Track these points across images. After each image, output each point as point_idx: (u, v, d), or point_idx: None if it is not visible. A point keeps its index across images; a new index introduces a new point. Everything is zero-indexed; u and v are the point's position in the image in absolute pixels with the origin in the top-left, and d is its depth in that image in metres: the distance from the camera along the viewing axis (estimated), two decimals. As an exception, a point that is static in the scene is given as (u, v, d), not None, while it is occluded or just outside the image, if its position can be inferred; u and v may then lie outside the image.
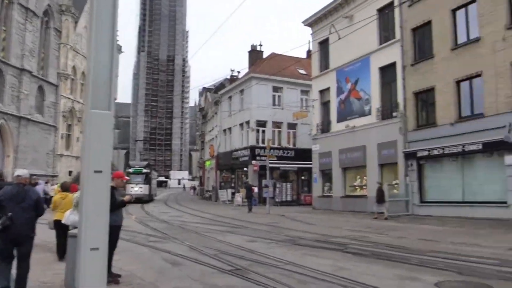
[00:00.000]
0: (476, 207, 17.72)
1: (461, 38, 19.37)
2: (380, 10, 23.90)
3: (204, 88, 61.21)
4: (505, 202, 16.72)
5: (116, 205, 6.99)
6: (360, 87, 24.98)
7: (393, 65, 22.80)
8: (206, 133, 55.15)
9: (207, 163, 51.47)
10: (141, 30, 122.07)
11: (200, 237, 13.53)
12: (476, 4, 18.50)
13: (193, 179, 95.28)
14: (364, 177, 24.44)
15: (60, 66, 43.80)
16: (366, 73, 24.56)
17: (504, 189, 16.88)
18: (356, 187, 25.57)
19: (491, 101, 17.54)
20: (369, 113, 24.04)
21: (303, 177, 36.68)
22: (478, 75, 18.24)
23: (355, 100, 25.37)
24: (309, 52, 39.07)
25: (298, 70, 38.56)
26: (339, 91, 26.76)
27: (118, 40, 64.77)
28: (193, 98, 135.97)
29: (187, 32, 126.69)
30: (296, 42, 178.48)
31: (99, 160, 4.26)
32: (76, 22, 46.57)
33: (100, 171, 4.24)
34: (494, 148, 17.28)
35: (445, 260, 8.90)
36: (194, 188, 66.78)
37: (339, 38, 23.61)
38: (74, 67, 46.78)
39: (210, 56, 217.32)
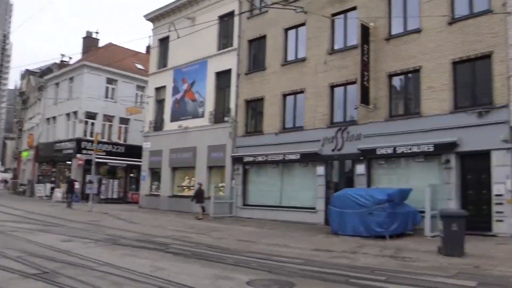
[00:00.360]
0: (291, 212, 19.43)
1: (290, 56, 21.08)
2: (222, 17, 24.62)
3: (27, 70, 54.95)
4: (314, 208, 18.70)
5: None
6: (196, 89, 25.33)
7: (228, 71, 23.65)
8: (25, 121, 49.51)
9: (24, 154, 46.20)
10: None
11: (4, 237, 11.97)
12: (305, 27, 20.36)
13: (5, 171, 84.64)
14: (193, 178, 24.79)
15: None
16: (202, 76, 25.00)
17: (314, 196, 18.87)
18: (184, 187, 25.78)
19: (310, 117, 19.47)
20: (202, 116, 24.51)
21: (132, 175, 35.53)
22: (301, 92, 20.07)
23: (189, 101, 25.61)
24: (148, 48, 38.23)
25: (136, 64, 37.43)
26: (175, 90, 26.72)
27: None
28: (13, 80, 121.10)
29: (11, 5, 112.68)
30: (137, 35, 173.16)
31: None
32: None
33: None
34: (309, 159, 19.19)
35: (259, 260, 9.47)
36: (5, 181, 59.28)
37: (178, 37, 23.56)
38: None
39: (38, 37, 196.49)
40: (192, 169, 24.72)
